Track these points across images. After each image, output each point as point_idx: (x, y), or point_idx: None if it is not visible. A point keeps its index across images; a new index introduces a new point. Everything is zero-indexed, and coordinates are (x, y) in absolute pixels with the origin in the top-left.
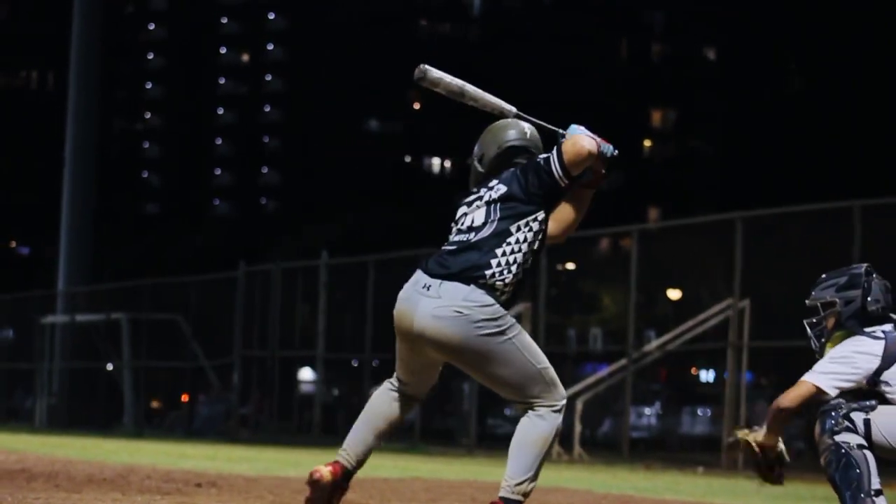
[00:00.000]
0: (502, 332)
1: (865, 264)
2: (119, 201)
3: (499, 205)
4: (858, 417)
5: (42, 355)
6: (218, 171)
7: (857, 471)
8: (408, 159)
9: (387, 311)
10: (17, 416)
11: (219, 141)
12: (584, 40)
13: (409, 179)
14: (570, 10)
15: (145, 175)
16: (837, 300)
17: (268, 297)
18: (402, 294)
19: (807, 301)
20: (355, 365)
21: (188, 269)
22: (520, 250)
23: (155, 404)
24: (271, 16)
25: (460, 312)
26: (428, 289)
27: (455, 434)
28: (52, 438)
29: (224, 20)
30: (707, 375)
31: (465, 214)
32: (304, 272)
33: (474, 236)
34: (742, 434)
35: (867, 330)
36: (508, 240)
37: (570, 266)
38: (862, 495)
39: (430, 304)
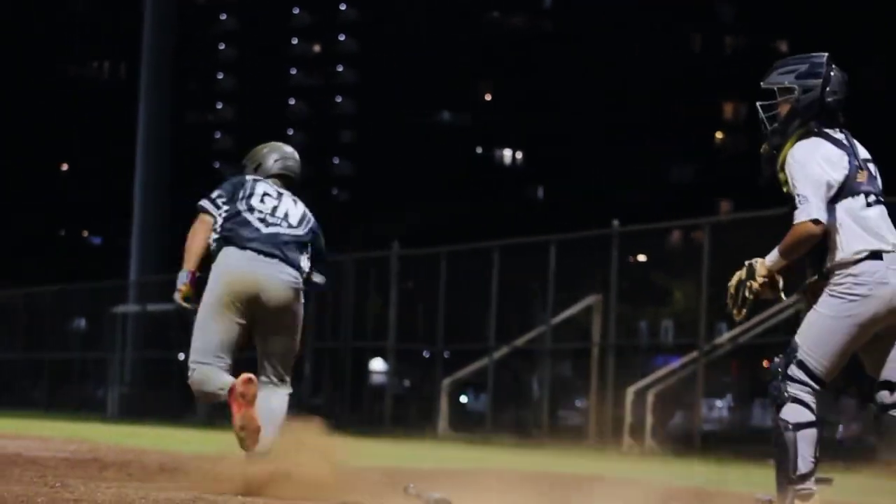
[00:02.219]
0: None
1: (826, 54)
2: (191, 191)
3: None
4: (794, 370)
5: (114, 345)
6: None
7: (786, 454)
8: (479, 150)
9: (459, 302)
10: (90, 406)
11: (290, 132)
12: (655, 33)
13: (479, 171)
14: (642, 3)
15: (217, 166)
16: (796, 87)
17: (340, 288)
18: None
19: (762, 83)
20: (427, 356)
21: None
22: None
23: None
24: (343, 7)
25: None
26: None
27: (526, 425)
28: (125, 428)
29: (296, 11)
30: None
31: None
32: (376, 263)
33: None
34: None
35: (827, 131)
36: None
37: (642, 258)
38: (785, 481)
39: None
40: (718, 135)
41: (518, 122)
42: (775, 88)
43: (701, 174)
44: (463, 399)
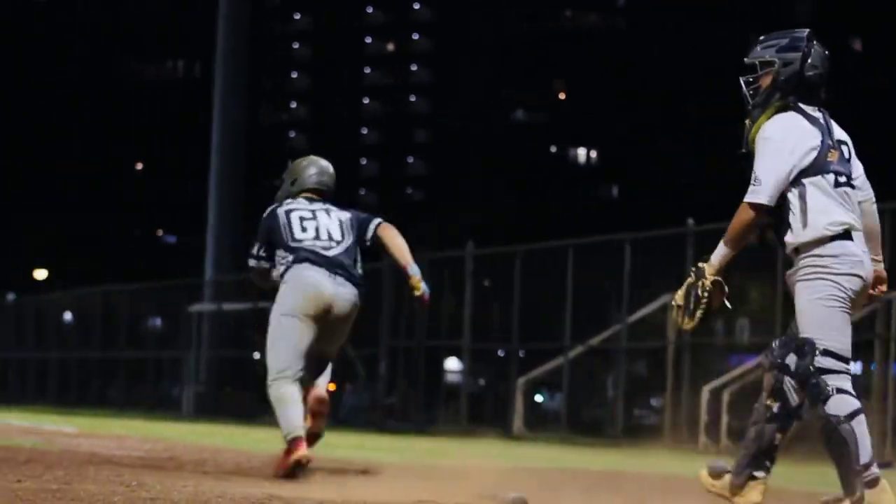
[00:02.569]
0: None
1: (808, 29)
2: (265, 190)
3: None
4: (823, 361)
5: (189, 344)
6: (364, 161)
7: (846, 447)
8: (553, 149)
9: (534, 300)
10: (165, 405)
11: (364, 131)
12: (727, 31)
13: (554, 170)
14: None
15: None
16: (776, 60)
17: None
18: None
19: (745, 59)
20: (502, 355)
21: None
22: None
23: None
24: (416, 6)
25: None
26: None
27: (601, 424)
28: (200, 427)
29: (369, 10)
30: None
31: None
32: (450, 262)
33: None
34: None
35: (803, 107)
36: None
37: None
38: (851, 473)
39: None
40: None
41: (592, 121)
42: (757, 62)
43: None
44: (538, 398)
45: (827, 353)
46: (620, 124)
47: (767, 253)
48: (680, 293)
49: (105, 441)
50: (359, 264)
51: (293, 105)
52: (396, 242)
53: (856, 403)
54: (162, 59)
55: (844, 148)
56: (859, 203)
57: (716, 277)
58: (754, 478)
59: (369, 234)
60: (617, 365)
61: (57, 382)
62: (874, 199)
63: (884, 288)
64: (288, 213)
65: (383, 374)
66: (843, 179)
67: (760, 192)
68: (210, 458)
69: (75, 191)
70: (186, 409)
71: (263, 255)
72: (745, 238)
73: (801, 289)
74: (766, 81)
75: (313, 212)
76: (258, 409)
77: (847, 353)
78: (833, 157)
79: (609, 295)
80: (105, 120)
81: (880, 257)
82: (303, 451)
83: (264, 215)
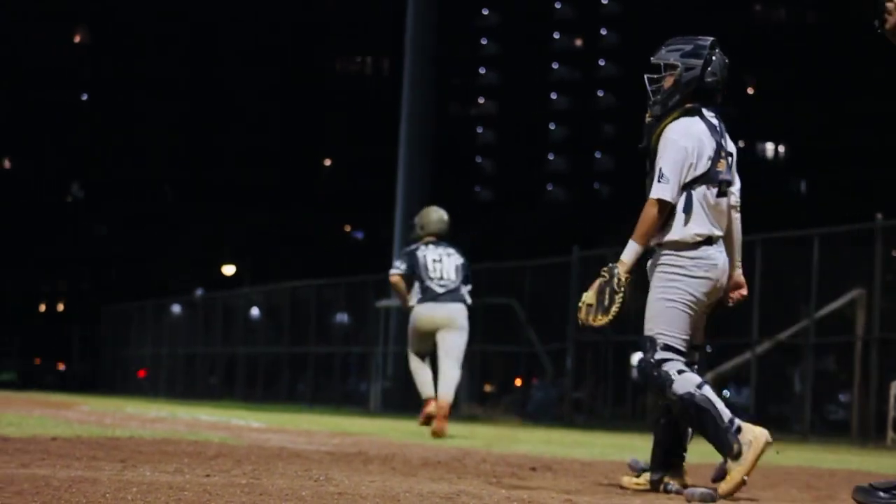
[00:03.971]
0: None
1: (712, 38)
2: (453, 186)
3: None
4: (662, 353)
5: (377, 339)
6: (551, 157)
7: (708, 413)
8: (741, 144)
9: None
10: (353, 400)
11: (552, 126)
12: None
13: (742, 164)
14: None
15: (479, 160)
16: (679, 64)
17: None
18: None
19: (652, 58)
20: None
21: (522, 253)
22: None
23: (488, 388)
24: (604, 1)
25: None
26: None
27: (789, 420)
28: (387, 422)
29: (558, 5)
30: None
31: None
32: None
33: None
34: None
35: (705, 113)
36: None
37: None
38: (721, 433)
39: None
40: None
41: (781, 116)
42: (661, 63)
43: None
44: (725, 393)
45: (667, 347)
46: (809, 118)
47: None
48: (590, 293)
49: (293, 436)
50: (466, 294)
51: (481, 101)
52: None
53: (697, 378)
54: (352, 56)
55: (730, 158)
56: (731, 208)
57: (628, 275)
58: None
59: (467, 286)
60: (804, 360)
61: (244, 378)
62: (740, 208)
63: (743, 292)
64: (424, 256)
65: (570, 370)
66: (725, 188)
67: (668, 189)
68: (398, 454)
69: (264, 187)
70: (374, 405)
71: (400, 264)
72: (653, 230)
73: (656, 283)
74: (668, 82)
75: (441, 256)
76: None
77: (684, 347)
78: (722, 166)
79: (797, 290)
80: (295, 116)
81: (739, 263)
82: (431, 407)
83: (407, 250)
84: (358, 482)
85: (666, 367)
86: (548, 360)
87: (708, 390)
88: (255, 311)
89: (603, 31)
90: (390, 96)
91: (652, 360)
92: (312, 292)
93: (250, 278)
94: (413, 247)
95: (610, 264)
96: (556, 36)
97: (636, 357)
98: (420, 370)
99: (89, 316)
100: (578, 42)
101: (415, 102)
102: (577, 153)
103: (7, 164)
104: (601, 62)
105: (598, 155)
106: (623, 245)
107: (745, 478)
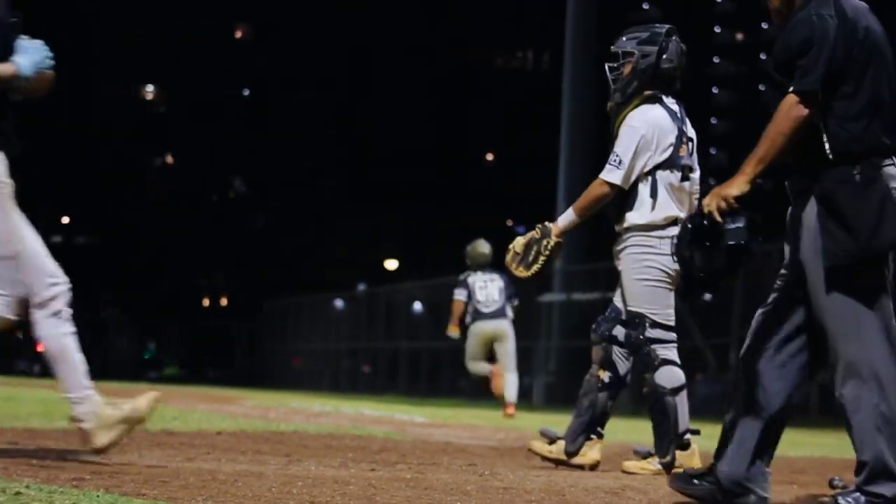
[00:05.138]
0: None
1: (668, 25)
2: None
3: None
4: (653, 332)
5: (539, 334)
6: (713, 151)
7: (667, 416)
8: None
9: None
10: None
11: (713, 121)
12: None
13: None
14: None
15: None
16: (636, 52)
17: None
18: None
19: (611, 47)
20: None
21: None
22: None
23: None
24: None
25: None
26: None
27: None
28: (551, 416)
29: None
30: None
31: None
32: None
33: None
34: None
35: (665, 100)
36: None
37: None
38: (667, 438)
39: None
40: None
41: None
42: (619, 52)
43: None
44: None
45: (656, 325)
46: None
47: None
48: (521, 241)
49: (457, 430)
50: (509, 310)
51: None
52: None
53: (681, 378)
54: (511, 49)
55: (691, 144)
56: (691, 194)
57: (559, 239)
58: (590, 440)
59: (512, 303)
60: None
61: (407, 372)
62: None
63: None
64: (473, 283)
65: (734, 364)
66: (687, 173)
67: (619, 174)
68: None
69: (426, 182)
70: (537, 399)
71: (459, 292)
72: (592, 210)
73: (628, 265)
74: (626, 70)
75: (486, 282)
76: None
77: (672, 322)
78: (683, 151)
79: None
80: (457, 110)
81: None
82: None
83: (461, 279)
84: (523, 477)
85: (657, 349)
86: (711, 355)
87: (681, 398)
88: (417, 306)
89: (764, 25)
90: (552, 91)
91: (641, 337)
92: None
93: (413, 273)
94: (464, 276)
95: (546, 223)
96: (718, 30)
97: (621, 331)
98: (479, 368)
99: (252, 311)
100: (740, 36)
101: (575, 98)
102: (738, 148)
103: (170, 159)
104: (762, 56)
105: None
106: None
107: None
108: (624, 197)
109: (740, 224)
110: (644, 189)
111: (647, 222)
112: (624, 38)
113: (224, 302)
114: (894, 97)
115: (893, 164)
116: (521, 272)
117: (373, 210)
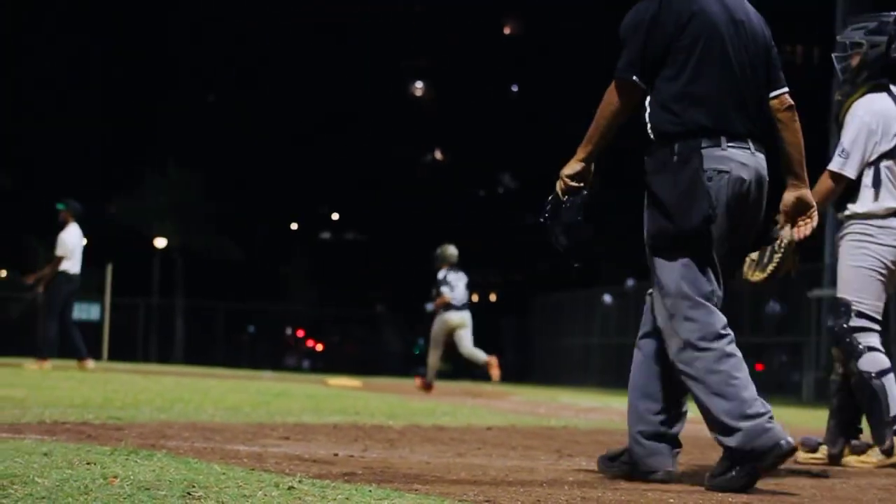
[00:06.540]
0: None
1: (895, 13)
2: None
3: None
4: (857, 321)
5: (809, 329)
6: None
7: (878, 401)
8: None
9: None
10: (784, 390)
11: None
12: None
13: None
14: None
15: None
16: (864, 42)
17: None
18: None
19: (838, 37)
20: None
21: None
22: None
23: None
24: None
25: None
26: None
27: None
28: (821, 412)
29: None
30: None
31: None
32: None
33: None
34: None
35: (893, 89)
36: None
37: None
38: (881, 425)
39: None
40: None
41: None
42: (847, 42)
43: None
44: None
45: (861, 314)
46: None
47: None
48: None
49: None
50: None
51: None
52: None
53: (886, 361)
54: (780, 44)
55: None
56: None
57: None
58: (855, 441)
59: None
60: None
61: None
62: None
63: None
64: (446, 276)
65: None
66: None
67: (848, 165)
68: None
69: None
70: (806, 395)
71: (447, 292)
72: (826, 204)
73: (846, 252)
74: (854, 60)
75: (457, 280)
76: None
77: (879, 315)
78: None
79: None
80: None
81: None
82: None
83: (440, 277)
84: (789, 474)
85: (860, 337)
86: None
87: (888, 380)
88: None
89: None
90: (820, 87)
91: (846, 326)
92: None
93: None
94: (442, 273)
95: (776, 227)
96: None
97: (829, 320)
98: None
99: (521, 306)
100: None
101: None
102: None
103: (439, 155)
104: None
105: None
106: None
107: (875, 468)
108: (847, 185)
109: (572, 203)
110: (867, 178)
111: (868, 211)
112: (850, 29)
113: (493, 297)
114: (748, 79)
115: (741, 148)
116: (756, 276)
117: (636, 205)
